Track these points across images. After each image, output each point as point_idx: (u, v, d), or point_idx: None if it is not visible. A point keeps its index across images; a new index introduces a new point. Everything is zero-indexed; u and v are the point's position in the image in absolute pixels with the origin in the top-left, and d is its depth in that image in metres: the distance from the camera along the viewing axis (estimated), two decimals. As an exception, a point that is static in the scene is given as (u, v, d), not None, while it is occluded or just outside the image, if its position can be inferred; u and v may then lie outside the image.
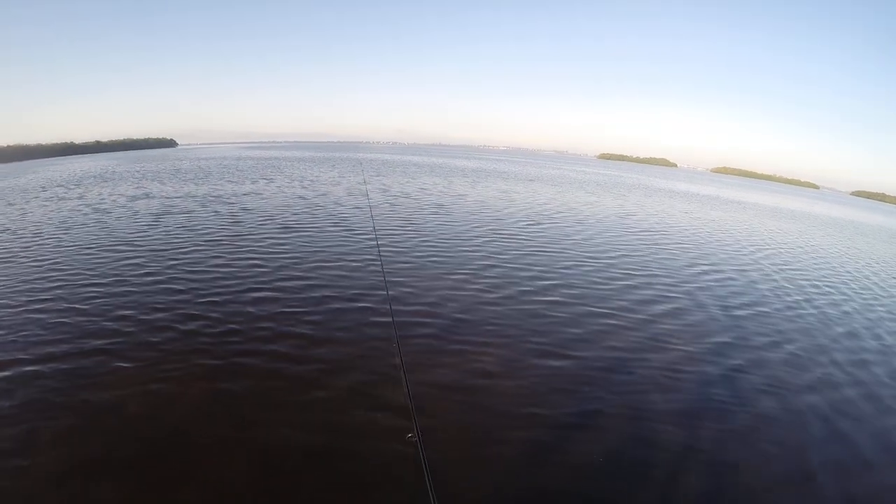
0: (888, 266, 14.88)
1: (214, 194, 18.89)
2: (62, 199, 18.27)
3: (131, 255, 9.72)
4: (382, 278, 3.15)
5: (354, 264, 9.25)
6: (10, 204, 17.19)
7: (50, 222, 13.32)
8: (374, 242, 10.27)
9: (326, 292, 7.71)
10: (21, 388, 4.93)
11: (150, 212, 14.82)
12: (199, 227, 12.37)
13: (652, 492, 3.91)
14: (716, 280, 10.22)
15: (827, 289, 10.60)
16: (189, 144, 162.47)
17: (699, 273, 10.66)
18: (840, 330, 7.94)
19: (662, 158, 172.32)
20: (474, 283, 8.46)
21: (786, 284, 10.51)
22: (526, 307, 7.57)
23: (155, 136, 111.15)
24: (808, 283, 10.95)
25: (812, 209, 39.72)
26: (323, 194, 19.28)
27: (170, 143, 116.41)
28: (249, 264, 9.11)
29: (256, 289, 7.79)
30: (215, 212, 14.81)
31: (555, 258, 10.73)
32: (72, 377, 5.16)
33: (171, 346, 5.83)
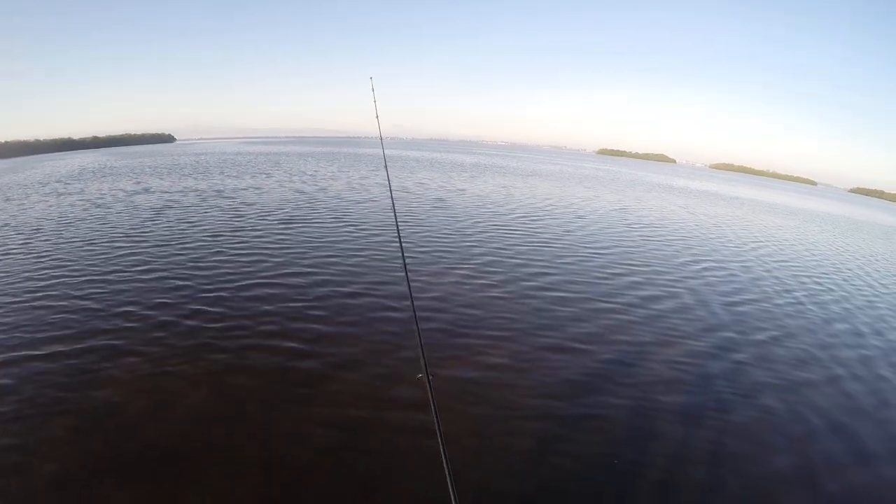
0: (882, 262, 14.92)
1: (216, 189, 18.84)
2: (62, 194, 18.20)
3: (132, 249, 9.70)
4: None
5: (363, 257, 9.30)
6: (9, 199, 17.15)
7: (50, 217, 13.28)
8: (381, 237, 10.27)
9: (333, 286, 7.72)
10: (23, 384, 4.91)
11: (150, 206, 14.79)
12: (200, 222, 12.35)
13: (657, 479, 3.98)
14: (717, 276, 10.23)
15: (828, 285, 10.66)
16: (187, 140, 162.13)
17: (702, 269, 10.67)
18: (840, 326, 7.97)
19: (661, 154, 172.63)
20: (478, 279, 8.46)
21: (787, 280, 10.54)
22: (530, 301, 7.59)
23: (152, 132, 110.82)
24: (809, 279, 10.99)
25: (810, 205, 39.80)
26: (322, 189, 19.26)
27: (168, 139, 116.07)
28: (253, 258, 9.10)
29: (263, 283, 7.77)
30: (217, 206, 14.76)
31: (556, 253, 10.75)
32: (74, 373, 5.14)
33: (175, 342, 5.81)
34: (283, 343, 5.84)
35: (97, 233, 11.24)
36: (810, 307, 8.76)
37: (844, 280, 11.37)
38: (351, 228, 11.93)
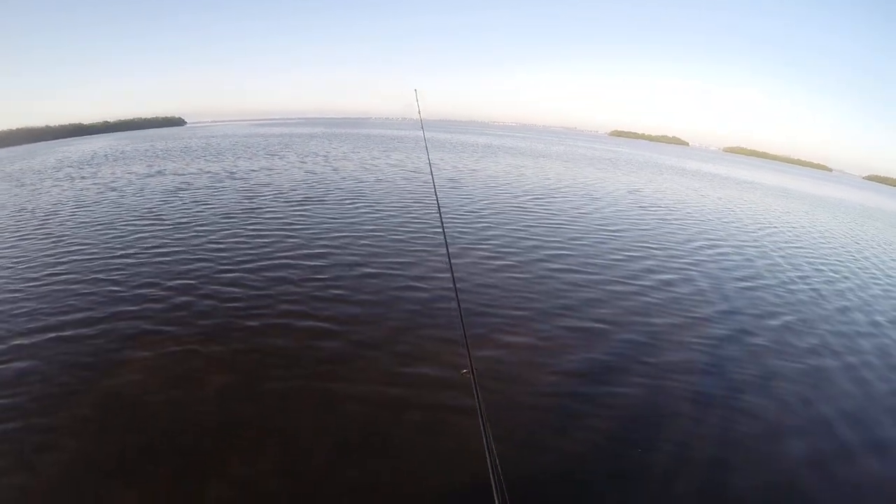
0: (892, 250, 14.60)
1: (230, 170, 18.90)
2: (76, 178, 18.36)
3: (150, 231, 9.76)
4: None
5: (381, 236, 9.28)
6: (23, 185, 17.31)
7: (66, 202, 13.40)
8: (399, 218, 10.20)
9: (367, 268, 7.73)
10: (48, 364, 4.98)
11: (164, 189, 14.85)
12: (215, 203, 12.39)
13: (671, 456, 4.05)
14: (733, 260, 10.16)
15: (843, 272, 10.57)
16: (197, 122, 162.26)
17: (716, 253, 10.60)
18: (857, 316, 7.95)
19: (674, 137, 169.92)
20: (496, 259, 8.45)
21: (802, 266, 10.40)
22: (548, 282, 7.59)
23: (163, 115, 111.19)
24: (825, 266, 10.82)
25: (824, 192, 38.97)
26: (335, 170, 19.15)
27: (178, 122, 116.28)
28: (271, 238, 9.13)
29: (282, 264, 7.80)
30: (232, 188, 14.82)
31: (569, 232, 10.76)
32: (98, 352, 5.20)
33: (197, 320, 5.85)
34: (306, 322, 5.86)
35: (114, 216, 11.31)
36: (825, 293, 8.64)
37: (860, 269, 11.15)
38: (367, 209, 11.89)
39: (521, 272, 7.89)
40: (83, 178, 18.31)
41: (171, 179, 16.84)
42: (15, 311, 6.11)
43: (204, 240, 9.06)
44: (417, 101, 5.82)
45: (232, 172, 18.39)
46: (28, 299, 6.49)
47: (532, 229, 10.77)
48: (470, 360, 2.25)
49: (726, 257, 10.15)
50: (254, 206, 12.10)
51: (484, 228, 10.46)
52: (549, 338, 5.79)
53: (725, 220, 14.95)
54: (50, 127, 76.06)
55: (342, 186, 15.23)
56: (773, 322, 6.92)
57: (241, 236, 9.28)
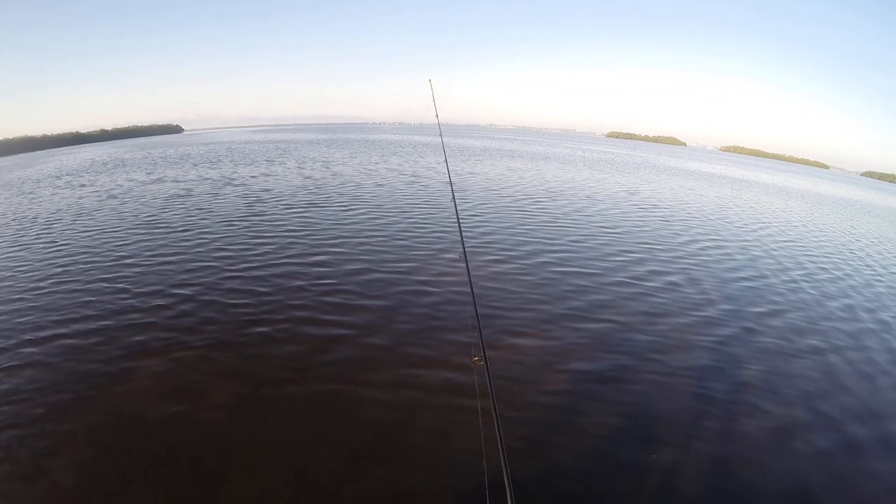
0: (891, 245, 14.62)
1: (229, 177, 18.87)
2: (76, 186, 18.36)
3: (153, 236, 9.76)
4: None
5: (385, 238, 9.26)
6: (22, 193, 17.27)
7: (68, 208, 13.40)
8: (402, 224, 10.15)
9: (364, 265, 7.75)
10: (57, 362, 5.03)
11: (165, 195, 14.84)
12: (217, 209, 12.37)
13: (676, 435, 4.25)
14: (735, 259, 10.27)
15: (840, 265, 10.69)
16: (195, 130, 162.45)
17: (722, 254, 10.70)
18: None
19: (671, 137, 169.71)
20: (504, 262, 8.46)
21: (807, 263, 10.44)
22: (552, 278, 7.73)
23: (160, 123, 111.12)
24: (830, 262, 10.91)
25: (820, 189, 38.89)
26: (334, 174, 19.11)
27: (176, 129, 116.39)
28: (275, 242, 9.14)
29: (290, 264, 7.85)
30: (233, 193, 14.82)
31: (569, 232, 10.80)
32: (105, 353, 5.23)
33: (202, 328, 5.82)
34: (315, 327, 5.85)
35: (115, 223, 11.29)
36: (829, 291, 8.69)
37: (862, 266, 11.30)
38: (366, 211, 11.87)
39: (527, 274, 7.89)
40: (83, 185, 18.30)
41: (173, 186, 16.83)
42: (19, 319, 6.09)
43: (209, 246, 9.04)
44: (433, 90, 5.64)
45: (231, 179, 18.38)
46: (32, 307, 6.46)
47: (534, 232, 10.76)
48: (483, 349, 2.25)
49: (730, 257, 10.16)
50: (258, 210, 12.13)
51: (489, 232, 10.46)
52: (558, 337, 5.81)
53: (728, 219, 14.96)
54: (48, 136, 75.80)
55: (342, 192, 15.23)
56: (778, 320, 6.94)
57: (245, 242, 9.27)
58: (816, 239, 13.52)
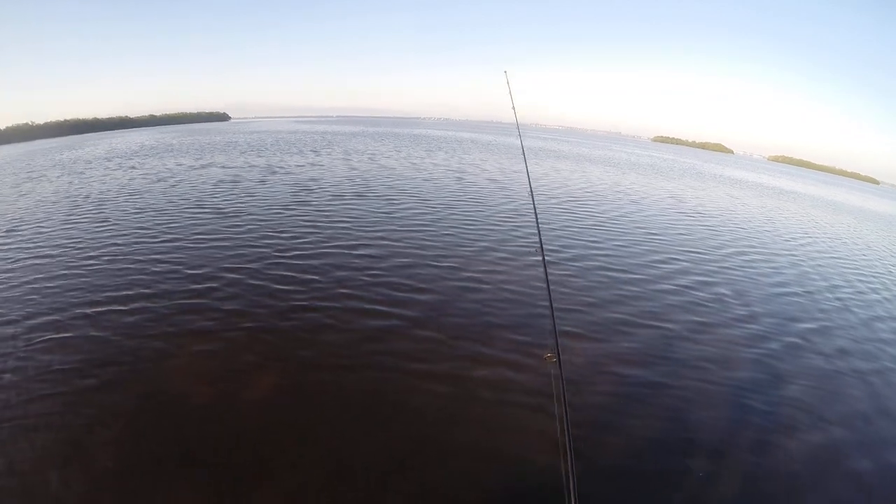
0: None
1: (279, 164, 18.90)
2: (126, 168, 18.66)
3: (202, 220, 9.66)
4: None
5: (434, 231, 9.02)
6: (76, 173, 17.59)
7: (119, 189, 13.53)
8: (444, 218, 9.62)
9: (415, 258, 7.41)
10: (111, 335, 5.08)
11: (213, 181, 14.80)
12: (267, 197, 12.18)
13: (715, 445, 4.13)
14: (779, 274, 9.48)
15: (890, 286, 9.75)
16: (241, 118, 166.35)
17: (770, 271, 9.95)
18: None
19: (718, 143, 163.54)
20: (556, 264, 8.05)
21: (856, 282, 9.62)
22: (600, 281, 7.54)
23: (208, 111, 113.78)
24: (879, 282, 9.94)
25: (871, 205, 35.93)
26: (381, 166, 18.79)
27: (222, 117, 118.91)
28: (322, 230, 8.99)
29: (336, 253, 7.68)
30: (281, 181, 14.68)
31: (614, 236, 10.39)
32: (157, 328, 5.26)
33: (252, 311, 5.72)
34: (365, 317, 5.72)
35: (164, 204, 11.24)
36: (862, 306, 8.07)
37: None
38: (413, 203, 11.54)
39: (576, 276, 7.67)
40: (132, 167, 18.57)
41: (221, 172, 16.85)
42: (72, 292, 6.17)
43: (258, 232, 8.85)
44: (508, 83, 5.23)
45: (279, 167, 18.28)
46: (85, 282, 6.51)
47: (580, 234, 10.33)
48: (557, 348, 2.30)
49: (777, 270, 9.59)
50: (305, 198, 11.88)
51: (530, 231, 9.72)
52: (607, 340, 5.73)
53: (776, 232, 14.05)
54: (98, 119, 78.16)
55: (389, 185, 14.90)
56: (824, 338, 6.55)
57: (293, 230, 9.05)
58: (866, 257, 12.37)
